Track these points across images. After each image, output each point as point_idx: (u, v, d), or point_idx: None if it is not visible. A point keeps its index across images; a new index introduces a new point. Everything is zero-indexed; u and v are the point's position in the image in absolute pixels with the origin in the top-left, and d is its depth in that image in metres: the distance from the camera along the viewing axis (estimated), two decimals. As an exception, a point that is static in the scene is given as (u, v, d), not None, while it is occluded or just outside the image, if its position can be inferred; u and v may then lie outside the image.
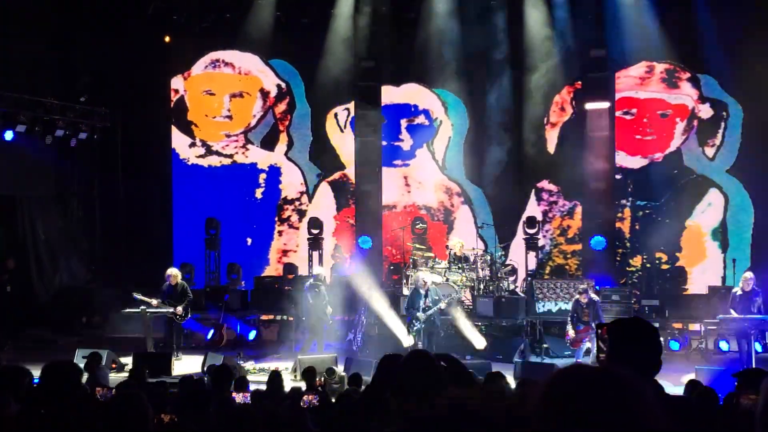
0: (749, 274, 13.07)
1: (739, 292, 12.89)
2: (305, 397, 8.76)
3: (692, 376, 11.38)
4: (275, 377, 7.76)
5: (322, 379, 10.65)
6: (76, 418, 3.45)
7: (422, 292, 13.74)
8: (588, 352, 13.11)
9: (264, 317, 17.37)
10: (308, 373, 9.67)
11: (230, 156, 20.54)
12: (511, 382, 11.82)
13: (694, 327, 15.35)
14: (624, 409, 1.15)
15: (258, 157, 20.44)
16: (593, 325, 13.00)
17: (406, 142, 19.80)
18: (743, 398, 5.58)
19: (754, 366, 12.32)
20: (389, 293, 16.20)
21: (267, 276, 18.97)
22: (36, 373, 4.64)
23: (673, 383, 11.38)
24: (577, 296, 13.55)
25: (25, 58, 17.62)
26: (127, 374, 10.60)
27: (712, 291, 15.81)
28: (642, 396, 1.20)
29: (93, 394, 5.98)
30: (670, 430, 1.13)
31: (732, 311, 12.85)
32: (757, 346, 13.28)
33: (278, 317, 16.98)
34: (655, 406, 1.12)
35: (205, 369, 12.23)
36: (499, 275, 16.79)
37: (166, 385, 8.86)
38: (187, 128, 20.61)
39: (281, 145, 20.36)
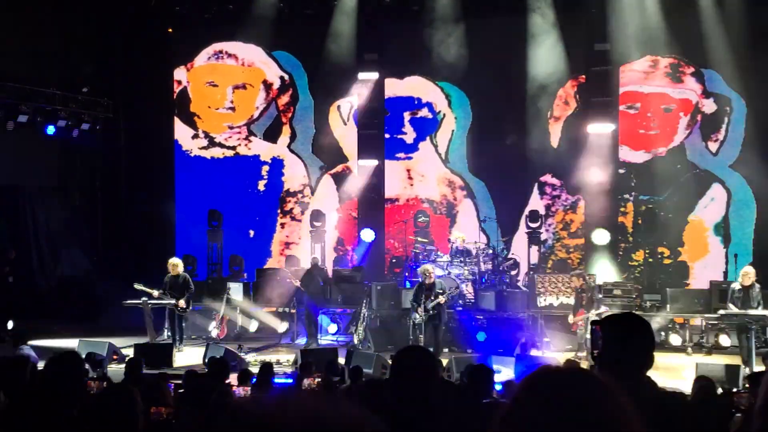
0: (749, 269, 13.04)
1: (738, 287, 12.86)
2: (305, 381, 8.76)
3: (693, 370, 11.37)
4: (265, 369, 7.77)
5: (323, 372, 10.63)
6: (68, 413, 3.45)
7: (426, 284, 13.67)
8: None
9: (266, 309, 17.37)
10: (307, 367, 9.67)
11: (233, 148, 20.55)
12: (510, 376, 11.84)
13: (695, 322, 15.32)
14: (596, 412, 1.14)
15: (261, 149, 20.45)
16: (590, 313, 13.37)
17: (409, 135, 19.78)
18: (738, 396, 5.57)
19: (754, 360, 12.33)
20: (391, 286, 16.25)
21: (269, 268, 18.97)
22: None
23: (674, 378, 11.42)
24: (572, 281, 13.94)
25: (28, 49, 17.63)
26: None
27: (714, 286, 15.77)
28: (614, 398, 1.19)
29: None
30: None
31: (731, 306, 12.83)
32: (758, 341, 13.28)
33: (280, 309, 16.98)
34: (628, 410, 1.11)
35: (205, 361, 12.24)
36: (501, 269, 16.78)
37: (166, 377, 8.86)
38: (189, 120, 20.63)
39: (284, 137, 20.36)
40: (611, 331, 3.17)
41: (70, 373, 4.04)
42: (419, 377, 3.04)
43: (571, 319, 14.06)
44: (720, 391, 7.64)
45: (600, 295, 14.27)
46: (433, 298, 13.48)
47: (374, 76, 18.66)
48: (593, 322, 3.31)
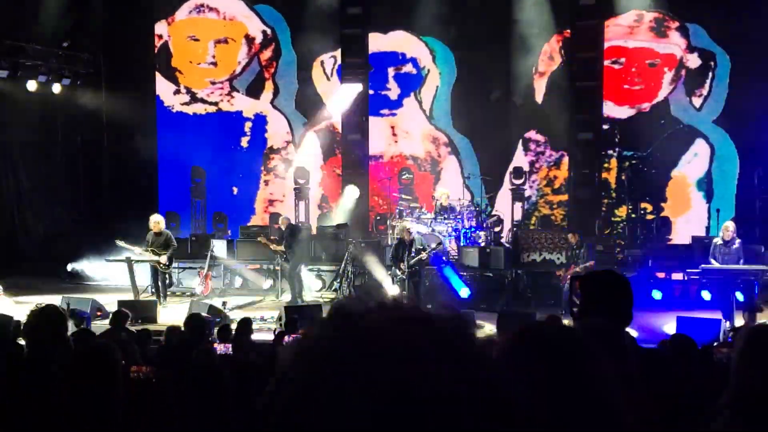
0: (729, 224, 13.11)
1: (720, 242, 12.94)
2: (286, 338, 8.78)
3: (673, 323, 11.51)
4: (243, 324, 7.78)
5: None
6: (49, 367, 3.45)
7: (406, 242, 13.74)
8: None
9: (250, 267, 17.37)
10: (291, 323, 9.70)
11: (215, 104, 20.33)
12: (493, 331, 11.93)
13: (677, 277, 15.45)
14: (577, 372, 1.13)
15: (243, 105, 20.25)
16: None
17: (393, 91, 19.64)
18: (717, 351, 5.63)
19: (734, 315, 12.45)
20: (375, 243, 16.26)
21: (253, 225, 18.90)
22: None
23: (654, 331, 11.53)
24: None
25: (6, 3, 17.31)
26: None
27: (696, 241, 15.88)
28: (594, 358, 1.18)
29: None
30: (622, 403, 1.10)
31: (713, 261, 12.92)
32: (739, 296, 13.40)
33: (264, 266, 16.98)
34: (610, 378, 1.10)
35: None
36: (485, 225, 16.82)
37: (149, 333, 8.88)
38: (171, 75, 20.36)
39: (267, 93, 20.16)
40: (590, 288, 3.17)
41: (52, 324, 4.03)
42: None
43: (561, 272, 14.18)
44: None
45: (584, 251, 14.30)
46: (414, 254, 13.54)
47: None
48: (572, 278, 3.32)
